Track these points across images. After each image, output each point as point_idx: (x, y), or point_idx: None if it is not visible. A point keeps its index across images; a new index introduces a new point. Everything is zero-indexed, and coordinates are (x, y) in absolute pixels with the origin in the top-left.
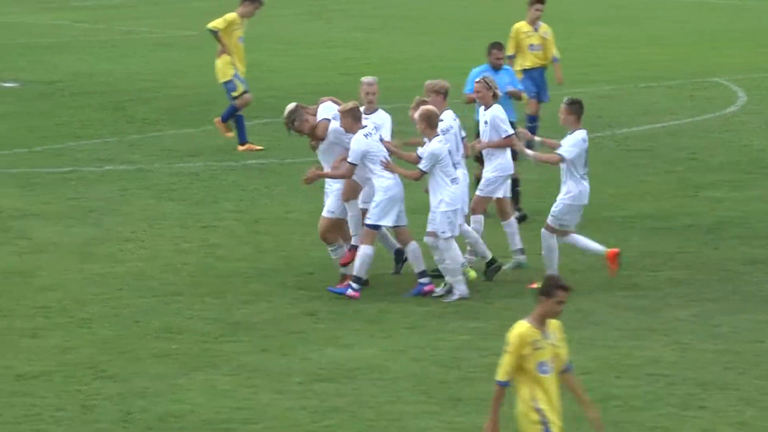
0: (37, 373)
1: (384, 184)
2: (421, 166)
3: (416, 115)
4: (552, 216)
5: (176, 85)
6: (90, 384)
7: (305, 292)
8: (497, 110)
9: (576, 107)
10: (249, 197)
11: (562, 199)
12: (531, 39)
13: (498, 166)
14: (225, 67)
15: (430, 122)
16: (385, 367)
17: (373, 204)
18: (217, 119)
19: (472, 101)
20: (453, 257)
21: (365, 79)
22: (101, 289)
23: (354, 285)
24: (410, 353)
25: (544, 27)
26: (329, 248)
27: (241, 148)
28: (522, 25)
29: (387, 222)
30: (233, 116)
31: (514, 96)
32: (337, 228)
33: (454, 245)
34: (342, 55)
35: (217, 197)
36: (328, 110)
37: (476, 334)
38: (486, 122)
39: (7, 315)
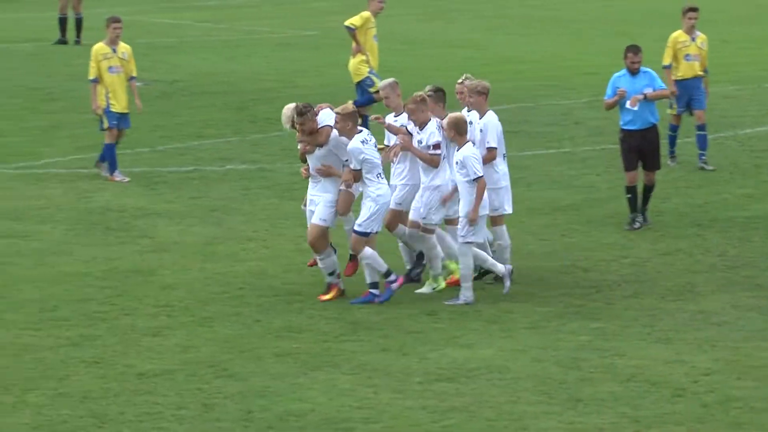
0: (159, 372)
1: (378, 191)
2: (479, 172)
3: (444, 122)
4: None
5: (298, 84)
6: (211, 383)
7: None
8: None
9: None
10: None
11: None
12: (688, 49)
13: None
14: (359, 66)
15: (459, 129)
16: (505, 367)
17: (366, 212)
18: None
19: (612, 107)
20: (467, 264)
21: (381, 85)
22: (223, 288)
23: (375, 291)
24: (530, 353)
25: (701, 37)
26: (318, 257)
27: None
28: (679, 35)
29: (377, 228)
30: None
31: (656, 98)
32: (326, 236)
33: (473, 252)
34: (461, 55)
35: None
36: (328, 117)
37: (597, 335)
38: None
39: (129, 313)
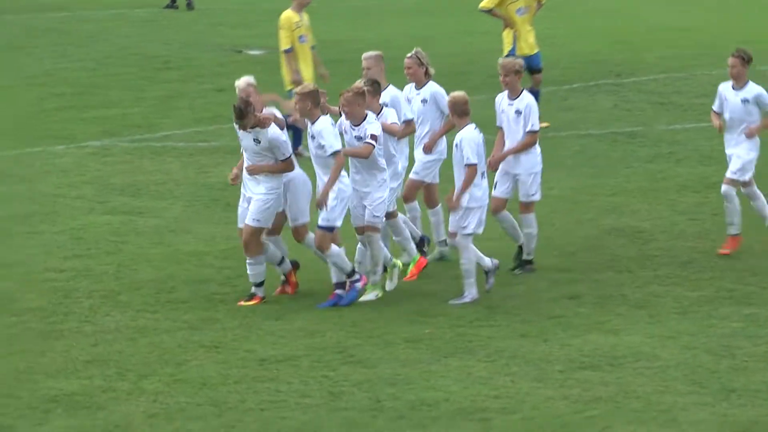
0: (282, 358)
1: (340, 185)
2: (473, 159)
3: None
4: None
5: (428, 52)
6: (337, 369)
7: (566, 274)
8: (435, 87)
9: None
10: None
11: None
12: None
13: (439, 150)
14: (505, 43)
15: (457, 110)
16: (653, 354)
17: (331, 205)
18: None
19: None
20: (469, 258)
21: (366, 54)
22: None
23: (340, 291)
24: (680, 340)
25: None
26: (248, 261)
27: None
28: None
29: (340, 222)
30: None
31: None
32: (259, 238)
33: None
34: (611, 24)
35: None
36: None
37: (750, 321)
38: (424, 100)
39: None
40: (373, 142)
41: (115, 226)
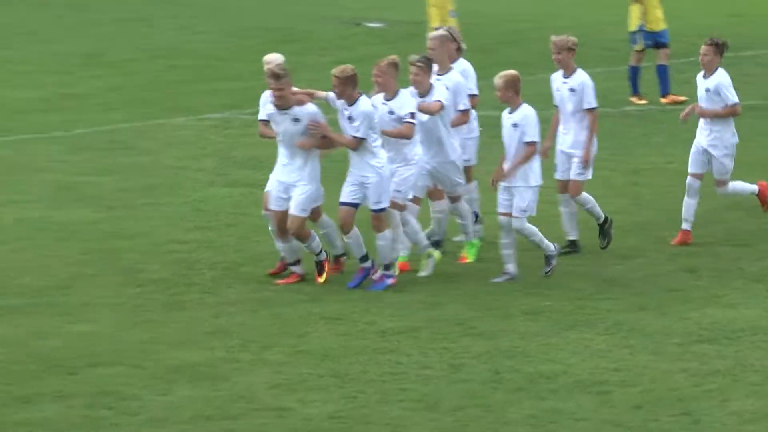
0: (403, 330)
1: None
2: (536, 137)
3: (499, 82)
4: None
5: (551, 26)
6: (457, 341)
7: (684, 247)
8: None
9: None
10: (626, 146)
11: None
12: None
13: (472, 128)
14: (633, 17)
15: (516, 88)
16: None
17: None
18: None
19: None
20: (532, 231)
21: (431, 34)
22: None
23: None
24: None
25: None
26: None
27: (663, 100)
28: None
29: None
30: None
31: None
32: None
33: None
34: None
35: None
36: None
37: None
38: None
39: None
40: (413, 121)
41: (236, 199)
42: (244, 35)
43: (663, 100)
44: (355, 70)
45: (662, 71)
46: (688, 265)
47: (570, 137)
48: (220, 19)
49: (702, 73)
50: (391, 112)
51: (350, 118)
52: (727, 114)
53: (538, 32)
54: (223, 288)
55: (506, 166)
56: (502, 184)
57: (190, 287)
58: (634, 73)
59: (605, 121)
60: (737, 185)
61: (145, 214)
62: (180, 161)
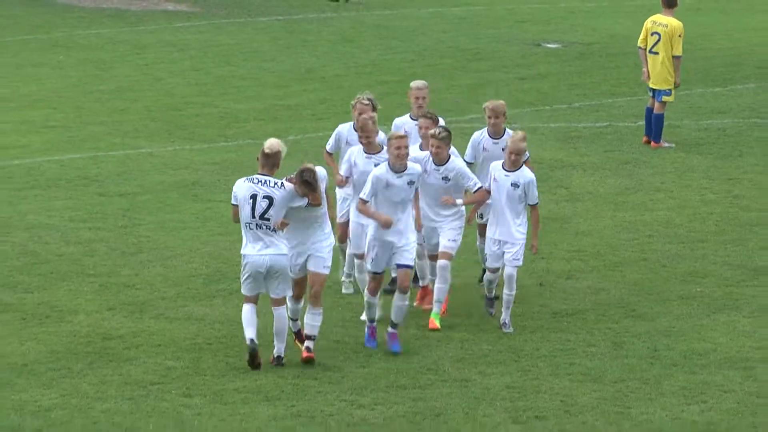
0: (572, 312)
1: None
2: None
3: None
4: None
5: (705, 47)
6: (620, 322)
7: None
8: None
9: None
10: None
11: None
12: None
13: None
14: None
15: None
16: None
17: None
18: None
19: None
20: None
21: (415, 83)
22: (632, 235)
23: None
24: None
25: None
26: (315, 311)
27: None
28: None
29: None
30: None
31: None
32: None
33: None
34: None
35: (742, 151)
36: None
37: None
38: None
39: (545, 257)
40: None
41: None
42: (439, 54)
43: None
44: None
45: None
46: None
47: None
48: (419, 40)
49: None
50: (445, 178)
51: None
52: None
53: (694, 52)
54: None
55: None
56: None
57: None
58: None
59: (754, 130)
60: None
61: None
62: None
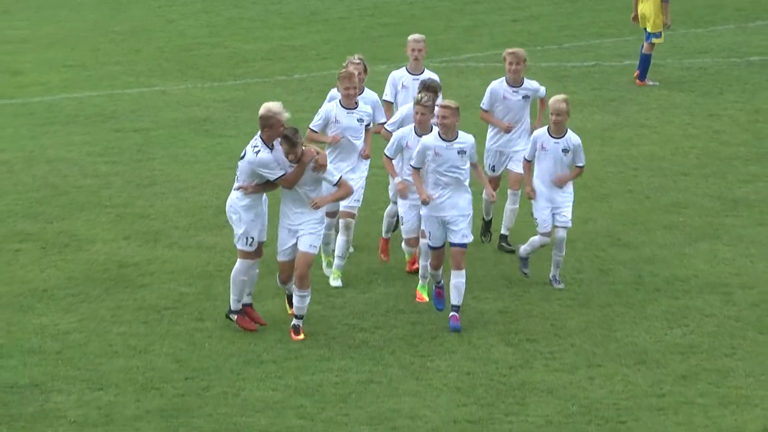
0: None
1: None
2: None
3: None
4: None
5: None
6: (606, 250)
7: None
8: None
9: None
10: (750, 90)
11: None
12: None
13: None
14: None
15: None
16: None
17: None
18: None
19: None
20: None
21: (412, 36)
22: (618, 168)
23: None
24: None
25: None
26: (302, 293)
27: None
28: None
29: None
30: None
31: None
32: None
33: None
34: None
35: (722, 89)
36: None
37: None
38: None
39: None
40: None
41: None
42: None
43: None
44: None
45: None
46: None
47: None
48: None
49: None
50: (460, 151)
51: (461, 152)
52: None
53: None
54: None
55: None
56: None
57: None
58: None
59: (733, 69)
60: None
61: None
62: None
